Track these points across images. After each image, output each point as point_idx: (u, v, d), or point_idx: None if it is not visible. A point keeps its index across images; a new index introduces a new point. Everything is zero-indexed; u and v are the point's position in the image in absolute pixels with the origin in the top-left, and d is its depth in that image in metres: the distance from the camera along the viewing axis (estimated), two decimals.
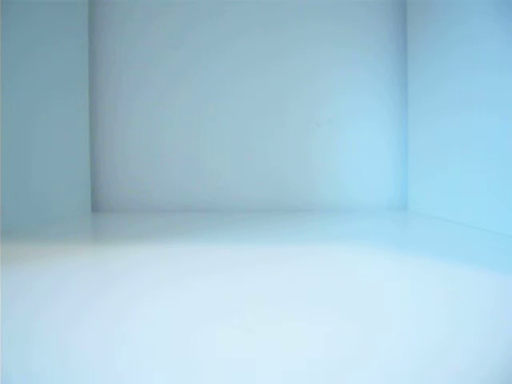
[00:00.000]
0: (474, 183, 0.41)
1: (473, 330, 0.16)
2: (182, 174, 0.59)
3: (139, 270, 0.26)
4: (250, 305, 0.20)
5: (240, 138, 0.59)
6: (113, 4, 0.58)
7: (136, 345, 0.15)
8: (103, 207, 0.59)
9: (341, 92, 0.58)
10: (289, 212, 0.56)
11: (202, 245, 0.34)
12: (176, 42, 0.58)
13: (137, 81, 0.58)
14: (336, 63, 0.58)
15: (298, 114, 0.58)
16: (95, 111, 0.59)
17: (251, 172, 0.59)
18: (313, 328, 0.17)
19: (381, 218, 0.51)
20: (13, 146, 0.41)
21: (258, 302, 0.20)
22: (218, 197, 0.59)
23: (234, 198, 0.59)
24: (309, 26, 0.58)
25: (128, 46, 0.58)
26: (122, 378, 0.13)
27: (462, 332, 0.16)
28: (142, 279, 0.24)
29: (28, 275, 0.25)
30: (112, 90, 0.59)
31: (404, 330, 0.17)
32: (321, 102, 0.58)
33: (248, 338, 0.16)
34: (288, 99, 0.58)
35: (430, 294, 0.21)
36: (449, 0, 0.45)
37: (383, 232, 0.43)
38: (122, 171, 0.59)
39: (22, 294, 0.21)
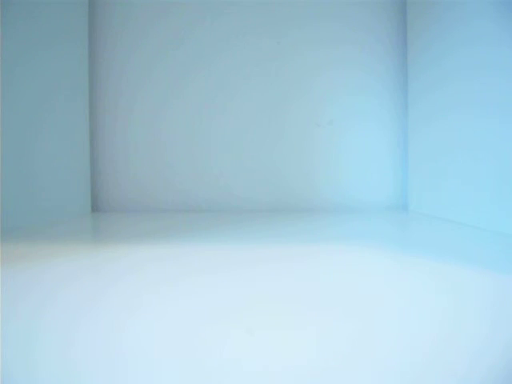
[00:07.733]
0: (474, 183, 0.41)
1: (472, 330, 0.16)
2: (182, 173, 0.59)
3: (141, 270, 0.26)
4: (251, 305, 0.20)
5: (241, 138, 0.59)
6: (113, 4, 0.58)
7: (139, 345, 0.15)
8: (103, 207, 0.59)
9: (341, 93, 0.58)
10: (289, 212, 0.56)
11: (202, 245, 0.34)
12: (177, 43, 0.58)
13: (137, 81, 0.58)
14: (336, 64, 0.58)
15: (298, 114, 0.58)
16: (95, 111, 0.59)
17: (252, 172, 0.59)
18: (313, 328, 0.17)
19: (381, 218, 0.51)
20: (13, 146, 0.41)
21: (260, 302, 0.20)
22: (219, 197, 0.59)
23: (234, 199, 0.59)
24: (309, 27, 0.58)
25: (128, 46, 0.58)
26: (125, 378, 0.13)
27: (462, 332, 0.16)
28: (143, 279, 0.24)
29: (28, 275, 0.25)
30: (112, 90, 0.59)
31: (403, 331, 0.17)
32: (321, 103, 0.58)
33: (250, 339, 0.16)
34: (289, 100, 0.58)
35: (429, 294, 0.21)
36: (449, 1, 0.45)
37: (384, 232, 0.43)
38: (122, 171, 0.59)
39: (23, 294, 0.21)
